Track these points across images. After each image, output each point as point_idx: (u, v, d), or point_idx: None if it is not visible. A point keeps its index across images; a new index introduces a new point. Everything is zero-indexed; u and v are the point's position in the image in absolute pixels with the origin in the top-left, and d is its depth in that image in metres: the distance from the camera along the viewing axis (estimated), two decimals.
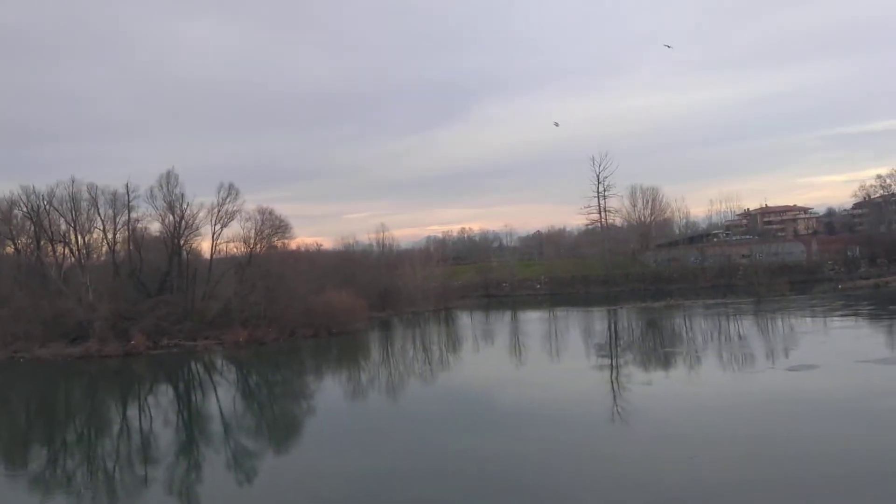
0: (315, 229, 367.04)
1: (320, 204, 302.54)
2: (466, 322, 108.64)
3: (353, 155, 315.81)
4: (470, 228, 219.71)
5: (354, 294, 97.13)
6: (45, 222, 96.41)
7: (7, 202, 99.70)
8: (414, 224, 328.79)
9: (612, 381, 54.42)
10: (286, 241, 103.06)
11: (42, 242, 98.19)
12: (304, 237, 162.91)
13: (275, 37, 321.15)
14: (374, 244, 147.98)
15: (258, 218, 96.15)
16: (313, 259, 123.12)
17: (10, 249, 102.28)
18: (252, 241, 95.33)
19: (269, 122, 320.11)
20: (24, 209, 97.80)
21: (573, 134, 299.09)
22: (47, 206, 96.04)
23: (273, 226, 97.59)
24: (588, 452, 34.20)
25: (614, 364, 62.93)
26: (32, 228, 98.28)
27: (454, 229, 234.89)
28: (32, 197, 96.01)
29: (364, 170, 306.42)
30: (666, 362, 61.41)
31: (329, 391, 58.35)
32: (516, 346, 77.84)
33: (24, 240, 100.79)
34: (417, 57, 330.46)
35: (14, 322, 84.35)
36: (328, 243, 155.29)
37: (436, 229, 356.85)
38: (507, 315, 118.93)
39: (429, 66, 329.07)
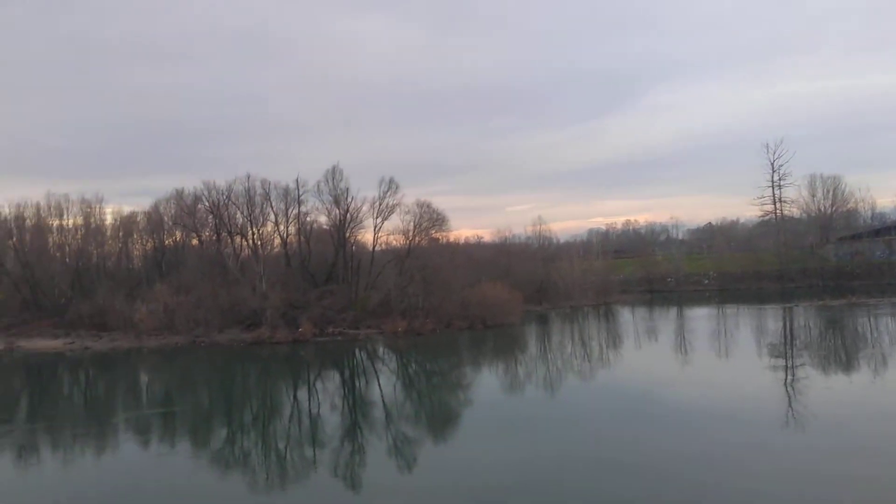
0: (477, 222, 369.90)
1: (481, 196, 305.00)
2: (627, 318, 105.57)
3: (514, 146, 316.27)
4: (635, 221, 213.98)
5: (510, 287, 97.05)
6: (225, 216, 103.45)
7: (192, 197, 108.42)
8: (576, 216, 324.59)
9: (786, 384, 50.86)
10: (444, 233, 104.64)
11: (222, 235, 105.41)
12: (465, 230, 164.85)
13: (436, 31, 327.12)
14: (532, 237, 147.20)
15: (417, 211, 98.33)
16: (470, 251, 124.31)
17: (194, 241, 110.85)
18: (411, 233, 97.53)
19: (431, 116, 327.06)
20: (206, 204, 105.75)
21: (746, 121, 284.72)
22: (226, 201, 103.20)
23: (431, 218, 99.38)
24: (757, 457, 32.01)
25: (789, 365, 58.84)
26: (213, 222, 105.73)
27: (618, 222, 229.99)
28: (213, 192, 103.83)
29: (526, 161, 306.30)
30: (848, 365, 56.80)
31: (486, 382, 58.44)
32: (682, 344, 74.53)
33: (206, 232, 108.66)
34: (583, 44, 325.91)
35: (196, 309, 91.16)
36: (489, 236, 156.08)
37: (599, 222, 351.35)
38: (672, 311, 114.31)
39: (594, 54, 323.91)
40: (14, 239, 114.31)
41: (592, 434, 38.10)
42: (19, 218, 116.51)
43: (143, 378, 73.52)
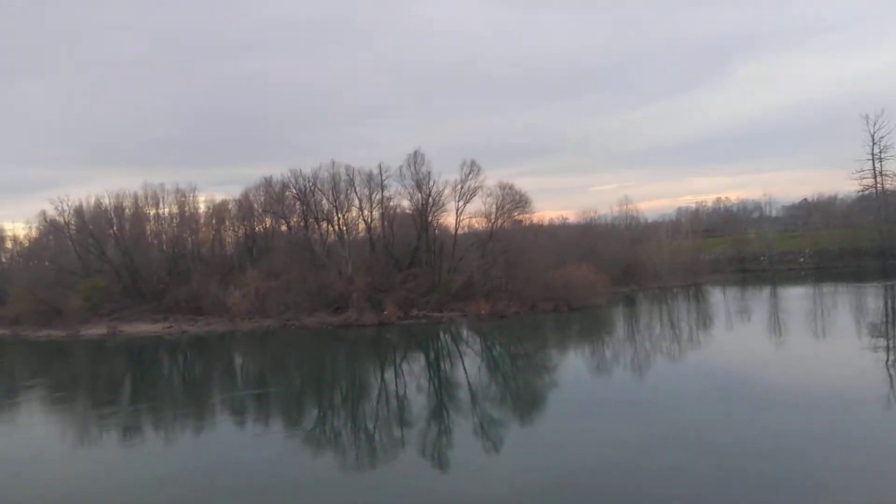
0: (561, 203, 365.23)
1: (566, 176, 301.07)
2: (718, 298, 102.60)
3: (600, 125, 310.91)
4: (726, 198, 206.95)
5: (596, 268, 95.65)
6: (311, 202, 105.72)
7: (280, 185, 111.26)
8: (664, 195, 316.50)
9: (888, 365, 48.49)
10: (527, 215, 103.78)
11: (309, 221, 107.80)
12: (548, 211, 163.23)
13: (521, 8, 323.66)
14: (618, 216, 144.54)
15: (499, 193, 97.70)
16: (554, 233, 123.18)
17: (283, 228, 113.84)
18: (493, 216, 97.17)
19: (514, 97, 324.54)
20: (294, 191, 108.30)
21: (843, 92, 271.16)
22: (312, 188, 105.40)
23: (513, 200, 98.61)
24: (862, 434, 30.63)
25: (892, 346, 56.05)
26: (301, 208, 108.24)
27: (708, 200, 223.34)
28: (300, 179, 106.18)
29: (612, 139, 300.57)
30: None
31: (572, 365, 57.91)
32: (776, 325, 71.93)
33: (294, 219, 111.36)
34: (672, 17, 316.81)
35: (286, 293, 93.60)
36: (574, 217, 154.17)
37: (688, 200, 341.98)
38: (766, 291, 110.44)
39: (684, 27, 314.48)
40: (114, 228, 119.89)
41: (681, 416, 37.26)
42: (118, 208, 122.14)
43: (237, 360, 76.08)
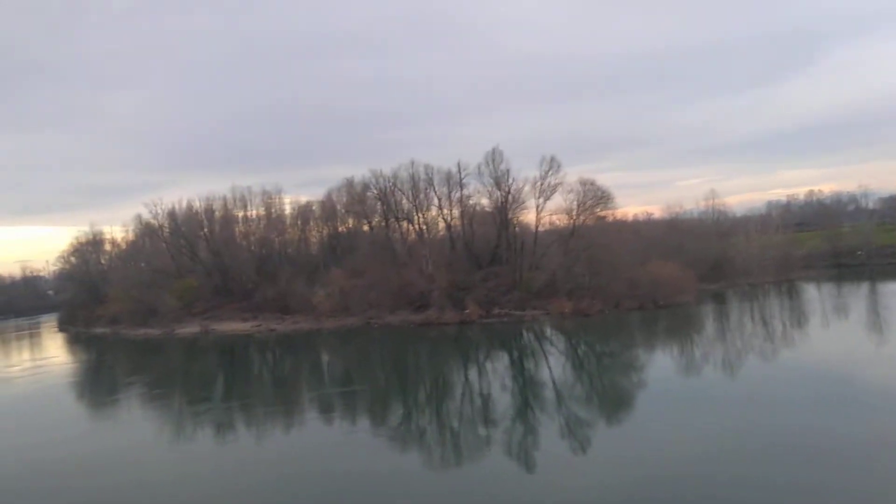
0: (645, 198, 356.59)
1: (649, 171, 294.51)
2: (813, 294, 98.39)
3: (683, 118, 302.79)
4: (819, 191, 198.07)
5: (682, 265, 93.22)
6: (392, 202, 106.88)
7: (360, 185, 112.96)
8: (753, 188, 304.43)
9: None
10: (610, 211, 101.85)
11: (389, 220, 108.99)
12: (632, 206, 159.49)
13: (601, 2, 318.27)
14: (705, 211, 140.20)
15: (580, 189, 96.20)
16: (638, 229, 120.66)
17: (365, 227, 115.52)
18: (574, 212, 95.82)
19: (595, 93, 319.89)
20: (375, 191, 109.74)
21: None
22: (392, 188, 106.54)
23: (595, 196, 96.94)
24: None
25: None
26: (381, 208, 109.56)
27: (800, 192, 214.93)
28: (381, 179, 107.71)
29: (695, 133, 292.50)
30: None
31: (660, 364, 56.39)
32: (877, 322, 68.41)
33: (375, 218, 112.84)
34: (760, 4, 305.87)
35: (369, 292, 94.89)
36: (659, 212, 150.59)
37: (778, 193, 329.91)
38: (864, 287, 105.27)
39: (773, 13, 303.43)
40: (205, 230, 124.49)
41: (776, 419, 35.77)
42: (209, 210, 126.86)
43: (324, 358, 77.54)
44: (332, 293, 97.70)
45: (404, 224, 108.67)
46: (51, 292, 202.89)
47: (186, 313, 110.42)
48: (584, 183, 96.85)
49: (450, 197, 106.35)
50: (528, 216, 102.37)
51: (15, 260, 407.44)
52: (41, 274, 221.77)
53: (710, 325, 76.61)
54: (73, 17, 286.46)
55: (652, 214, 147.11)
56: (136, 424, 48.08)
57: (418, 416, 46.25)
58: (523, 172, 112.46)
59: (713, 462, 29.85)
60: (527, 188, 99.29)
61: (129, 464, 37.03)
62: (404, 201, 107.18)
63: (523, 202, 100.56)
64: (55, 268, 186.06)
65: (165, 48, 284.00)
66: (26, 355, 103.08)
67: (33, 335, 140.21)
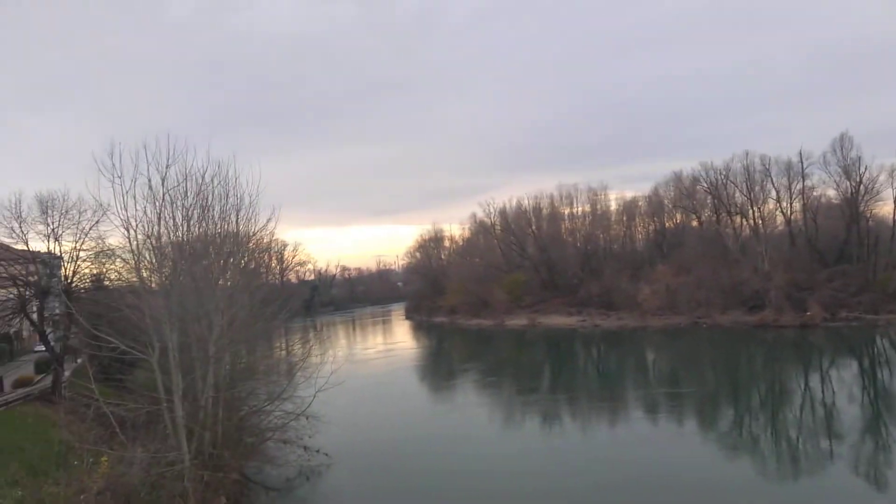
0: None
1: None
2: None
3: None
4: None
5: None
6: (723, 195, 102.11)
7: (689, 179, 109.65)
8: None
9: None
10: None
11: (721, 215, 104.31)
12: None
13: None
14: None
15: None
16: None
17: (694, 223, 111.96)
18: None
19: None
20: (705, 185, 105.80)
21: None
22: (724, 180, 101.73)
23: None
24: None
25: None
26: (712, 202, 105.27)
27: None
28: (711, 172, 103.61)
29: None
30: None
31: None
32: None
33: (705, 213, 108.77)
34: None
35: (697, 290, 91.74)
36: None
37: None
38: None
39: None
40: (533, 227, 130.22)
41: None
42: (537, 208, 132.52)
43: (649, 357, 76.74)
44: (658, 290, 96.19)
45: (737, 219, 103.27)
46: (400, 284, 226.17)
47: (515, 306, 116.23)
48: None
49: (789, 189, 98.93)
50: (885, 208, 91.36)
51: (372, 255, 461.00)
52: (392, 267, 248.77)
53: None
54: (417, 34, 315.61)
55: None
56: (471, 409, 51.94)
57: (751, 422, 43.91)
58: (878, 160, 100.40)
59: None
60: (882, 177, 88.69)
61: (463, 445, 40.15)
62: (737, 194, 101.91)
63: (878, 193, 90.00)
64: (403, 262, 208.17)
65: (495, 56, 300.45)
66: (379, 339, 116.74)
67: (385, 322, 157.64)
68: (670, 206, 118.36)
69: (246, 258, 40.22)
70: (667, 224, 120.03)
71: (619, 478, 32.12)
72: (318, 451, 35.81)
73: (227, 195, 33.38)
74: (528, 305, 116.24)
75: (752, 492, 29.44)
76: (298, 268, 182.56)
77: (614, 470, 33.49)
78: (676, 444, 37.61)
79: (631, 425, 43.68)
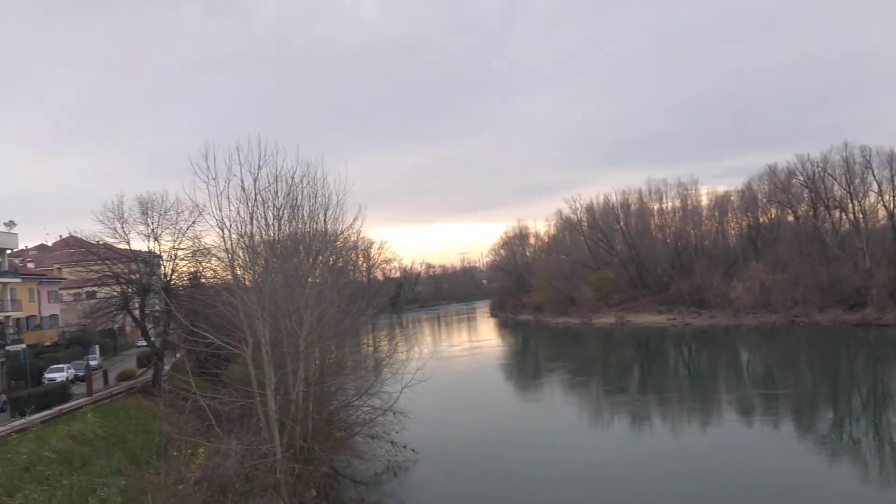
0: None
1: None
2: None
3: None
4: None
5: None
6: (821, 189, 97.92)
7: (784, 172, 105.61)
8: None
9: None
10: None
11: (818, 209, 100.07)
12: None
13: None
14: None
15: None
16: None
17: (789, 217, 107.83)
18: None
19: None
20: (801, 178, 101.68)
21: None
22: (822, 173, 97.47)
23: None
24: None
25: None
26: (809, 196, 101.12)
27: None
28: (807, 165, 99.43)
29: None
30: None
31: None
32: None
33: (802, 208, 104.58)
34: None
35: (793, 287, 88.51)
36: None
37: None
38: None
39: None
40: (621, 223, 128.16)
41: None
42: (624, 204, 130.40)
43: (743, 356, 74.47)
44: (751, 288, 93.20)
45: (836, 213, 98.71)
46: (484, 281, 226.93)
47: (603, 304, 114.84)
48: None
49: (892, 181, 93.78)
50: None
51: (456, 252, 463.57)
52: (476, 265, 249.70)
53: None
54: (503, 30, 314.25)
55: None
56: (559, 409, 51.72)
57: (852, 426, 42.12)
58: None
59: None
60: None
61: (549, 446, 39.90)
62: (836, 188, 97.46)
63: None
64: (487, 259, 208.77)
65: (582, 49, 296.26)
66: (465, 336, 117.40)
67: (469, 319, 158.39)
68: (764, 200, 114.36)
69: (334, 256, 41.15)
70: (761, 219, 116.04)
71: (713, 486, 31.13)
72: (405, 447, 36.32)
73: (316, 195, 34.39)
74: (616, 303, 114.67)
75: (853, 500, 28.16)
76: (384, 265, 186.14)
77: (708, 477, 32.47)
78: (773, 448, 36.39)
79: (725, 428, 42.61)
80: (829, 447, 36.93)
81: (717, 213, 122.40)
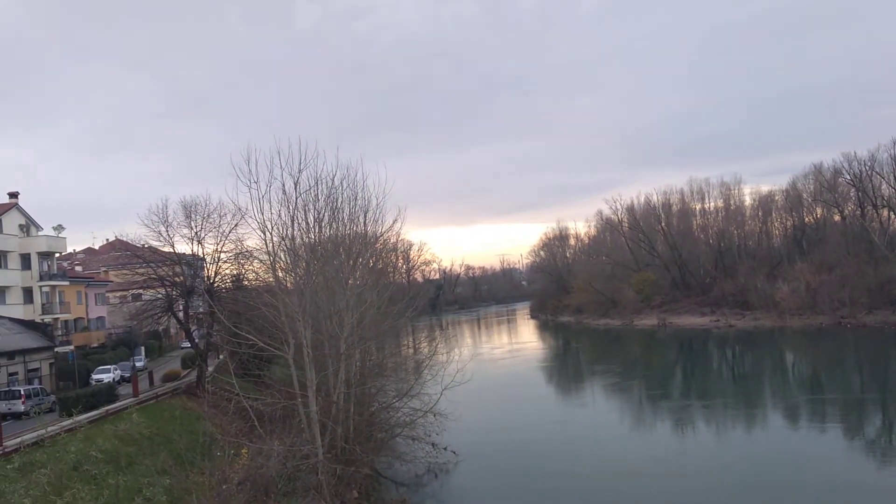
0: None
1: None
2: None
3: None
4: None
5: None
6: (869, 188, 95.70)
7: (830, 171, 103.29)
8: None
9: None
10: None
11: (866, 208, 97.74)
12: None
13: None
14: None
15: None
16: None
17: (836, 217, 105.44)
18: None
19: None
20: (848, 177, 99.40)
21: None
22: (869, 172, 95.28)
23: None
24: None
25: None
26: (856, 195, 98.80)
27: None
28: (855, 164, 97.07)
29: None
30: None
31: None
32: None
33: (849, 207, 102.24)
34: None
35: (840, 288, 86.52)
36: None
37: None
38: None
39: None
40: (662, 224, 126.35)
41: None
42: (666, 204, 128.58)
43: (789, 359, 72.97)
44: (796, 289, 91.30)
45: (884, 212, 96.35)
46: (524, 282, 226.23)
47: (645, 306, 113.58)
48: None
49: None
50: None
51: (496, 253, 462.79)
52: (516, 266, 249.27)
53: None
54: (542, 31, 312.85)
55: None
56: (600, 412, 51.29)
57: None
58: None
59: None
60: None
61: (591, 448, 39.70)
62: (884, 187, 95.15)
63: None
64: (527, 260, 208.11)
65: (622, 49, 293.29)
66: (505, 338, 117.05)
67: (509, 320, 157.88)
68: (810, 200, 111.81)
69: (374, 258, 41.35)
70: (806, 219, 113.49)
71: (754, 487, 30.46)
72: (445, 449, 36.33)
73: (356, 197, 34.63)
74: (658, 305, 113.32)
75: None
76: (424, 267, 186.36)
77: (749, 479, 31.74)
78: (820, 454, 35.56)
79: (770, 433, 41.71)
80: (879, 452, 35.99)
81: (760, 213, 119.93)
